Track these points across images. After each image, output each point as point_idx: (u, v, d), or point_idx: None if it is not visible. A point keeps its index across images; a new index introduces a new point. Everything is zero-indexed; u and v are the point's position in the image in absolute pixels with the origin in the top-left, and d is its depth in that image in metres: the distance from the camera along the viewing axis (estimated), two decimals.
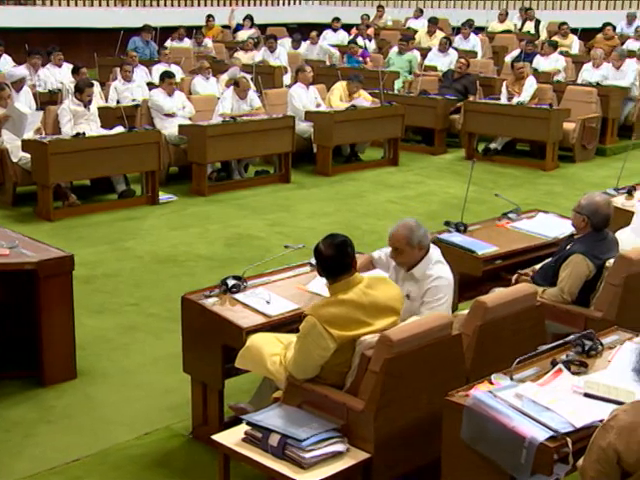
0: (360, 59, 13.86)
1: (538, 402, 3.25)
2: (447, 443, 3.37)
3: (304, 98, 10.34)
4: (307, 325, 3.71)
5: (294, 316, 4.28)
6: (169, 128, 9.40)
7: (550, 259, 4.98)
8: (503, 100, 10.93)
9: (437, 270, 4.29)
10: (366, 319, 3.77)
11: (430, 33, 15.45)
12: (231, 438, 3.68)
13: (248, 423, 3.64)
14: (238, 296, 4.42)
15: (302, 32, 16.13)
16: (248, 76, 10.58)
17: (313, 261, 4.89)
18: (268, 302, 4.36)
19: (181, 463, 4.29)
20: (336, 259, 3.81)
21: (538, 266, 5.05)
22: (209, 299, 4.36)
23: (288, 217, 8.55)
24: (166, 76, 9.84)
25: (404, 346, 3.59)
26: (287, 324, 4.27)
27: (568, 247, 4.85)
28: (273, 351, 3.98)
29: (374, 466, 3.58)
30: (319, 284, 4.54)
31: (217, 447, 3.70)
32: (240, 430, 3.68)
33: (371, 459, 3.56)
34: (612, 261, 4.64)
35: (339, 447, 3.53)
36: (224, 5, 19.44)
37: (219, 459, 3.73)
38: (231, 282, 4.47)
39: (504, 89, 11.05)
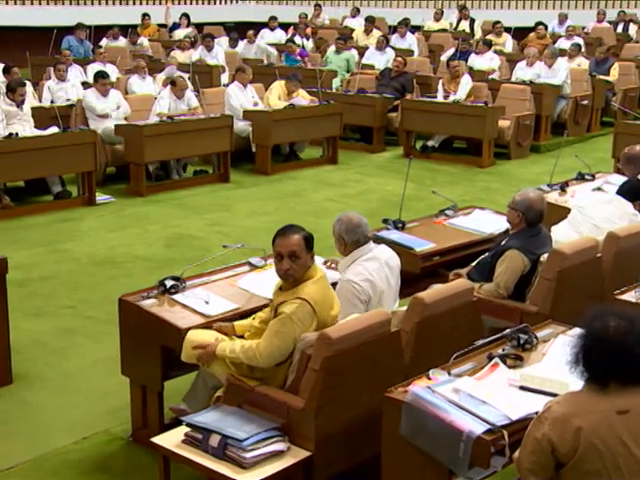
0: (298, 58, 13.87)
1: (475, 396, 3.30)
2: (386, 439, 3.40)
3: (241, 97, 10.31)
4: (293, 306, 3.75)
5: (233, 316, 4.28)
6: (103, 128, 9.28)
7: (486, 255, 5.06)
8: (439, 98, 11.05)
9: (353, 271, 4.31)
10: (328, 306, 3.88)
11: (367, 32, 15.53)
12: (171, 440, 3.65)
13: (188, 424, 3.62)
14: (177, 297, 4.38)
15: (239, 31, 16.07)
16: (185, 75, 10.51)
17: (252, 260, 4.91)
18: (207, 302, 4.34)
19: (121, 467, 4.24)
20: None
21: (474, 263, 5.12)
22: (147, 300, 4.32)
23: (228, 216, 8.52)
24: (99, 76, 9.69)
25: (343, 344, 3.60)
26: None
27: (503, 243, 4.93)
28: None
29: (315, 464, 3.59)
30: (250, 281, 4.55)
31: (157, 449, 3.68)
32: (180, 432, 3.66)
33: (312, 457, 3.57)
34: (546, 256, 4.73)
35: (280, 446, 3.54)
36: (160, 3, 19.25)
37: (159, 461, 3.70)
38: (169, 283, 4.44)
39: (440, 87, 11.17)
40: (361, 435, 3.74)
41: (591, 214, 5.57)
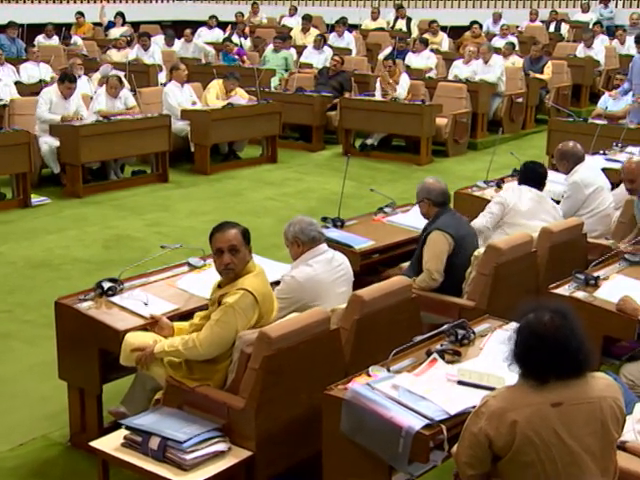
0: (236, 57, 13.82)
1: (414, 392, 3.33)
2: (327, 436, 3.42)
3: (179, 96, 10.23)
4: (236, 296, 3.80)
5: (173, 317, 4.25)
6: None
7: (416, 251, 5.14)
8: (378, 96, 11.11)
9: (299, 269, 4.33)
10: (270, 300, 3.94)
11: (305, 30, 15.54)
12: (110, 444, 3.62)
13: (127, 427, 3.59)
14: (114, 299, 4.34)
15: (177, 30, 15.94)
16: (121, 74, 10.38)
17: (191, 260, 4.88)
18: (146, 304, 4.30)
19: (59, 472, 4.18)
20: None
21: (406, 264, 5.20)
22: (84, 303, 4.27)
23: (167, 217, 8.45)
24: (67, 79, 9.34)
25: (283, 342, 3.61)
26: None
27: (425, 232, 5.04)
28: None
29: (256, 463, 3.59)
30: (190, 282, 4.53)
31: (96, 453, 3.64)
32: (119, 435, 3.63)
33: (253, 457, 3.57)
34: (482, 251, 4.80)
35: (221, 447, 3.53)
36: (94, 2, 18.97)
37: (98, 466, 3.66)
38: (107, 285, 4.38)
39: (378, 85, 11.24)
40: (302, 433, 3.75)
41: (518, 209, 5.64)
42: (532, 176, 5.68)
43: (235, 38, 15.26)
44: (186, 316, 4.29)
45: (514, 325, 3.01)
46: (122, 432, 3.63)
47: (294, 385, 3.71)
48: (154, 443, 3.48)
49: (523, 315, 2.93)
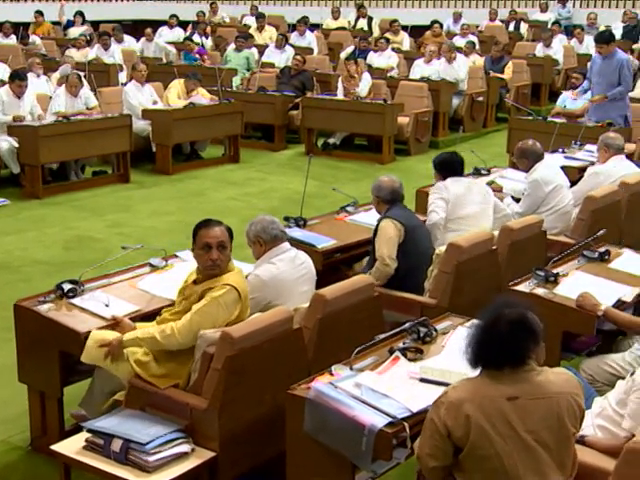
0: (197, 56, 13.76)
1: (377, 390, 3.34)
2: (291, 436, 3.42)
3: (140, 96, 10.15)
4: (221, 291, 3.83)
5: (135, 318, 4.22)
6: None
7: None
8: (339, 96, 11.13)
9: (262, 268, 4.34)
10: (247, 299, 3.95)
11: (260, 29, 15.51)
12: (71, 447, 3.58)
13: (89, 430, 3.56)
14: (75, 300, 4.29)
15: (138, 29, 15.83)
16: (82, 74, 10.27)
17: (153, 261, 4.85)
18: (107, 305, 4.27)
19: (20, 476, 4.13)
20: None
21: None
22: (44, 305, 4.22)
23: (129, 217, 8.39)
24: (17, 77, 9.25)
25: (245, 342, 3.60)
26: None
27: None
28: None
29: (220, 464, 3.58)
30: (151, 282, 4.50)
31: (57, 457, 3.60)
32: (81, 438, 3.60)
33: (216, 457, 3.56)
34: (443, 249, 4.83)
35: (184, 448, 3.51)
36: (53, 1, 18.75)
37: (59, 470, 3.62)
38: (67, 286, 4.34)
39: (340, 85, 11.26)
40: (266, 433, 3.74)
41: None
42: (450, 167, 5.68)
43: (196, 37, 15.19)
44: (148, 317, 4.26)
45: (474, 324, 3.06)
46: (84, 435, 3.59)
47: (257, 385, 3.70)
48: (116, 445, 3.45)
49: (485, 310, 3.00)
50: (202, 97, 10.47)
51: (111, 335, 3.98)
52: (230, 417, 3.58)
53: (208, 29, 16.33)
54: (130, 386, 3.76)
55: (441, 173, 5.69)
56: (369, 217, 5.90)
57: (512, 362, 2.90)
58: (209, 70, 11.82)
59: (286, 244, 4.45)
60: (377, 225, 5.05)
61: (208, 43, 15.54)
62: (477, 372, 2.98)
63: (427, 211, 5.56)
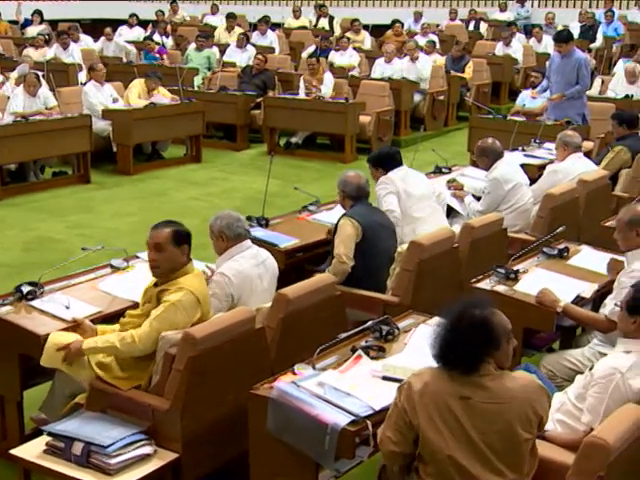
0: (157, 56, 13.67)
1: (339, 388, 3.35)
2: (254, 435, 3.42)
3: (99, 96, 10.06)
4: (179, 294, 3.80)
5: (96, 319, 4.18)
6: None
7: None
8: (301, 95, 11.13)
9: (227, 266, 4.34)
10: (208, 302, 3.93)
11: (229, 29, 15.46)
12: (32, 451, 3.54)
13: (49, 434, 3.52)
14: (34, 303, 4.25)
15: (97, 28, 15.69)
16: (40, 74, 10.15)
17: (114, 262, 4.81)
18: (67, 307, 4.23)
19: None
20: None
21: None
22: (3, 307, 4.17)
23: (90, 218, 8.31)
24: None
25: (208, 343, 3.59)
26: None
27: None
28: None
29: (183, 465, 3.56)
30: (112, 284, 4.47)
31: (17, 462, 3.55)
32: (41, 442, 3.56)
33: (179, 458, 3.54)
34: (405, 247, 4.86)
35: (146, 450, 3.49)
36: None
37: (19, 474, 3.58)
38: (26, 288, 4.29)
39: (302, 84, 11.26)
40: (229, 433, 3.73)
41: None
42: (388, 159, 5.73)
43: (157, 37, 15.09)
44: (109, 319, 4.23)
45: (438, 320, 3.08)
46: (44, 439, 3.55)
47: (220, 385, 3.69)
48: (77, 449, 3.42)
49: (449, 309, 3.03)
50: (163, 97, 10.41)
51: (71, 337, 3.94)
52: (193, 418, 3.57)
53: (168, 28, 16.24)
54: (91, 388, 3.73)
55: (383, 167, 5.70)
56: (331, 216, 5.90)
57: (465, 366, 2.94)
58: (170, 69, 11.74)
59: (248, 242, 4.47)
60: (337, 223, 5.06)
61: (169, 42, 15.45)
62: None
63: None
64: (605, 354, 3.74)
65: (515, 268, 4.74)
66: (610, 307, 4.01)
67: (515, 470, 2.95)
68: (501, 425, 2.92)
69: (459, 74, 12.87)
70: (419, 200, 5.61)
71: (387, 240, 5.10)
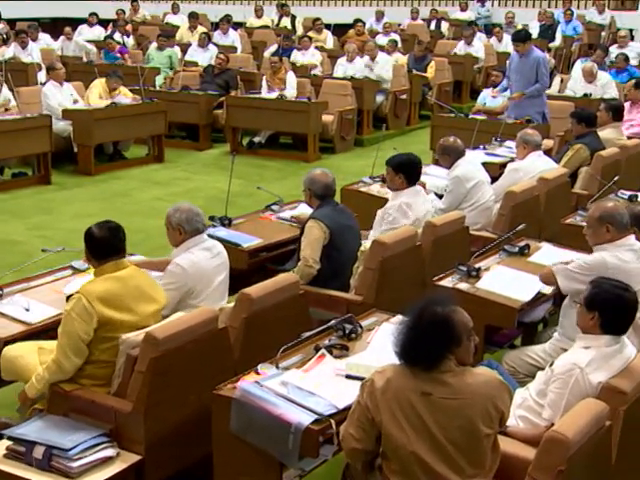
0: (118, 55, 13.56)
1: (303, 388, 3.35)
2: (217, 436, 3.41)
3: (59, 96, 9.94)
4: (72, 302, 3.70)
5: (56, 322, 4.14)
6: None
7: None
8: (264, 94, 11.11)
9: (181, 257, 4.35)
10: (130, 302, 3.80)
11: (192, 28, 15.38)
12: None
13: (9, 438, 3.48)
14: None
15: (57, 27, 15.52)
16: None
17: (75, 264, 4.77)
18: (27, 309, 4.19)
19: None
20: (108, 240, 3.89)
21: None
22: None
23: (50, 220, 8.22)
24: None
25: (170, 343, 3.57)
26: (49, 330, 4.12)
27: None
28: (34, 360, 3.85)
29: (146, 467, 3.54)
30: (76, 286, 4.42)
31: None
32: (2, 446, 3.51)
33: (143, 461, 3.52)
34: (367, 245, 4.87)
35: (108, 452, 3.46)
36: None
37: None
38: None
39: (264, 83, 11.25)
40: (193, 435, 3.71)
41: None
42: (413, 170, 5.68)
43: (117, 36, 14.97)
44: None
45: (400, 318, 3.10)
46: (4, 443, 3.51)
47: (183, 386, 3.67)
48: (38, 452, 3.38)
49: (411, 308, 3.05)
50: (124, 97, 10.32)
51: (25, 348, 3.91)
52: (156, 419, 3.55)
53: (129, 27, 16.11)
54: (52, 392, 3.69)
55: (405, 175, 5.48)
56: (294, 214, 5.91)
57: (426, 362, 2.96)
58: (131, 69, 11.65)
59: (204, 235, 4.50)
60: (304, 224, 5.05)
61: (130, 42, 15.34)
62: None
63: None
64: (566, 349, 3.78)
65: (477, 266, 4.78)
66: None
67: (477, 466, 2.98)
68: (462, 421, 2.94)
69: (421, 73, 12.93)
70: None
71: (353, 241, 5.10)
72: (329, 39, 15.26)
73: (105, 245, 3.88)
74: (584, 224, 4.65)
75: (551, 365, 3.52)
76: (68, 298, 3.82)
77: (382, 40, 14.27)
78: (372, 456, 3.07)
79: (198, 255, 4.38)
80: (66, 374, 3.72)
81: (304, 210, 5.75)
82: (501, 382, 3.10)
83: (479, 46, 14.45)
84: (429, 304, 3.02)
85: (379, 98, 12.08)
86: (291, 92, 11.02)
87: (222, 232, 5.44)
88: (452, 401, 2.94)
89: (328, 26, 15.47)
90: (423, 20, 17.31)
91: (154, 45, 13.48)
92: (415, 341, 2.96)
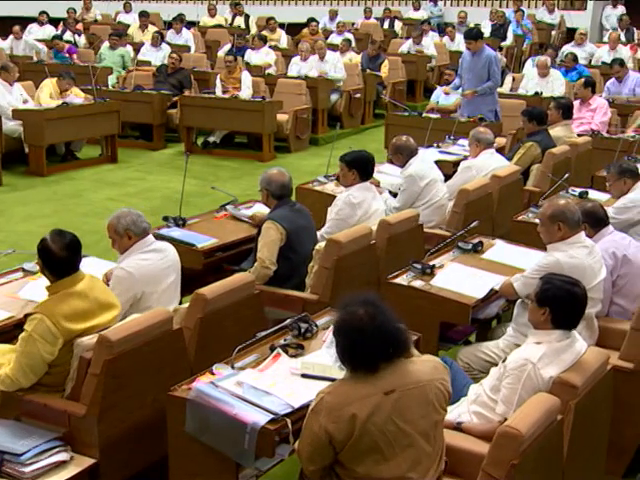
0: (67, 55, 13.39)
1: (258, 387, 3.35)
2: (172, 438, 3.39)
3: (8, 96, 9.79)
4: (33, 323, 3.59)
5: (7, 325, 4.09)
6: None
7: None
8: (218, 93, 11.07)
9: (126, 261, 4.32)
10: (95, 314, 3.75)
11: (142, 28, 15.26)
12: None
13: None
14: None
15: (6, 26, 15.28)
16: None
17: (26, 266, 4.70)
18: None
19: None
20: (69, 259, 3.76)
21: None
22: None
23: (1, 222, 8.09)
24: None
25: (124, 345, 3.54)
26: (1, 333, 4.07)
27: None
28: None
29: (101, 471, 3.51)
30: (32, 290, 4.37)
31: None
32: None
33: (97, 464, 3.48)
34: (322, 244, 4.88)
35: (62, 456, 3.42)
36: None
37: None
38: None
39: (218, 82, 11.20)
40: (148, 437, 3.69)
41: None
42: (367, 166, 5.73)
43: (68, 35, 14.78)
44: (22, 324, 4.12)
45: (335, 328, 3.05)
46: None
47: (138, 388, 3.65)
48: None
49: (339, 316, 3.01)
50: (76, 97, 10.20)
51: None
52: (110, 422, 3.51)
53: (80, 26, 15.92)
54: (3, 396, 3.64)
55: (358, 171, 5.58)
56: (250, 214, 5.89)
57: (386, 357, 2.92)
58: (83, 69, 11.52)
59: (151, 237, 4.46)
60: (261, 224, 5.04)
61: (81, 41, 15.16)
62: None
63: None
64: (519, 345, 3.83)
65: (431, 263, 4.82)
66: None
67: (439, 453, 3.00)
68: (427, 408, 2.95)
69: (375, 72, 12.98)
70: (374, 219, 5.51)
71: (309, 241, 5.10)
72: (283, 38, 15.24)
73: (65, 264, 3.76)
74: (536, 221, 4.71)
75: (504, 361, 3.56)
76: (26, 317, 3.68)
77: (336, 39, 14.29)
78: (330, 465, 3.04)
79: (147, 257, 4.34)
80: (21, 387, 3.66)
81: (260, 209, 5.74)
82: (443, 364, 3.13)
83: (429, 44, 14.53)
84: (353, 308, 2.95)
85: (333, 97, 12.11)
86: (247, 92, 10.99)
87: (176, 232, 5.41)
88: (415, 390, 2.93)
89: (282, 25, 15.46)
90: (377, 19, 17.37)
91: (106, 44, 13.34)
92: (372, 342, 2.89)
